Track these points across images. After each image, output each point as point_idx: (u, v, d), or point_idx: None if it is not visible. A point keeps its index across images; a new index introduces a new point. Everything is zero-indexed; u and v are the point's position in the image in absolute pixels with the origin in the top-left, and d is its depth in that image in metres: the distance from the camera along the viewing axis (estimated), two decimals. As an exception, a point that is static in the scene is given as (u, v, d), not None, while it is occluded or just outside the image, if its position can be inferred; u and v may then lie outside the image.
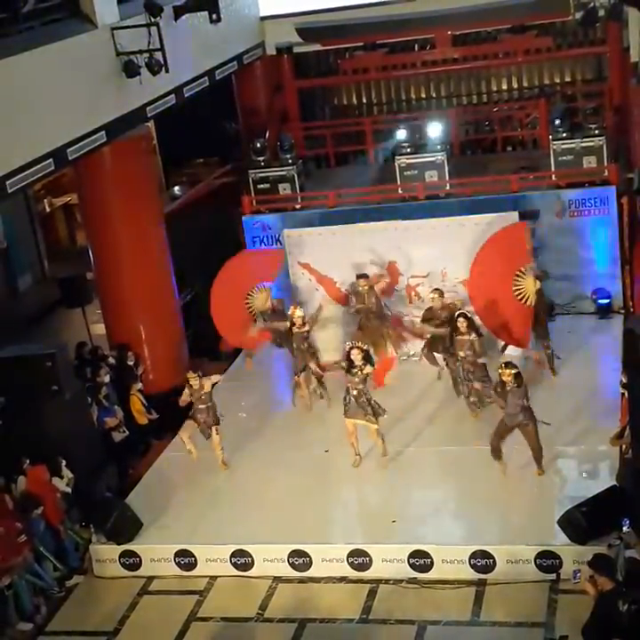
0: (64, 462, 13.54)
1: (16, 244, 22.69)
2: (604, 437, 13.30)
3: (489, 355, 14.72)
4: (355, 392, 13.75)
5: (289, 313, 15.77)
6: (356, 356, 13.71)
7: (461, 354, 14.53)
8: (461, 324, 14.43)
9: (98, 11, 14.59)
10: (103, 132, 14.60)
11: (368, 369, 13.76)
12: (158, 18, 14.91)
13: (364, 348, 13.96)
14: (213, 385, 14.60)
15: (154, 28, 14.79)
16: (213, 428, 14.32)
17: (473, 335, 14.40)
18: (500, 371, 13.00)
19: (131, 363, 16.03)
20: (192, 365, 16.48)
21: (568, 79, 20.63)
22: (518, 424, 12.97)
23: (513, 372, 12.85)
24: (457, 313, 14.76)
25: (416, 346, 16.47)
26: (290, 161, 18.68)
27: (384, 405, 13.96)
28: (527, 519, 12.52)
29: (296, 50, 20.79)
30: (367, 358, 13.88)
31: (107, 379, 15.33)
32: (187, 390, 14.31)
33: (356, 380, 13.71)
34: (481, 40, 20.45)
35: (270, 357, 17.26)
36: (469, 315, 14.67)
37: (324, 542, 12.61)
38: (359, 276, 16.12)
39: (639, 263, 17.06)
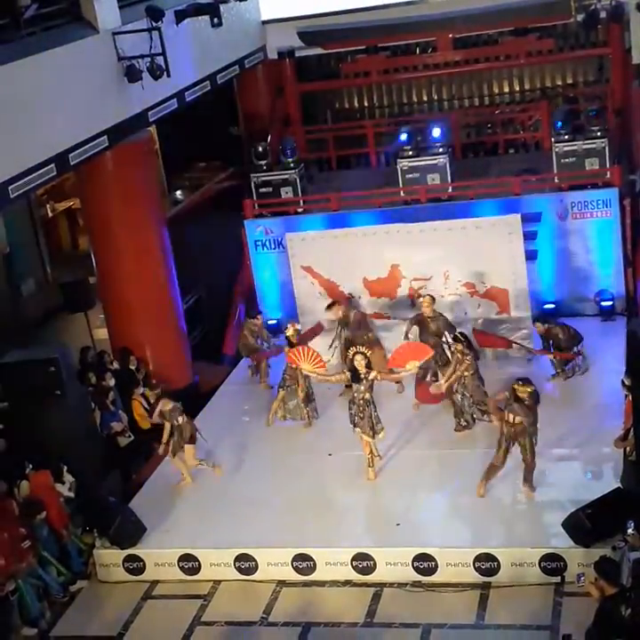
0: (65, 467, 13.54)
1: (19, 248, 22.67)
2: (608, 440, 13.29)
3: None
4: (361, 402, 13.48)
5: (285, 331, 15.48)
6: (360, 363, 13.40)
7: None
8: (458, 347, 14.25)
9: (99, 16, 14.60)
10: (105, 137, 14.61)
11: (373, 374, 13.47)
12: (160, 22, 14.93)
13: (368, 353, 13.49)
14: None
15: (155, 33, 14.80)
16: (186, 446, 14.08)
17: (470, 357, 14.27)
18: (516, 386, 12.64)
19: (133, 367, 16.02)
20: (196, 369, 16.56)
21: (570, 81, 20.62)
22: (516, 437, 12.77)
23: (529, 390, 12.59)
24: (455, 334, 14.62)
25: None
26: (292, 165, 18.69)
27: (387, 406, 13.94)
28: (531, 522, 12.50)
29: (298, 53, 20.80)
30: (370, 364, 13.46)
31: (112, 382, 15.34)
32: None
33: (362, 388, 13.47)
34: (482, 43, 20.48)
35: (271, 361, 17.23)
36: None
37: (328, 546, 12.59)
38: (329, 306, 16.15)
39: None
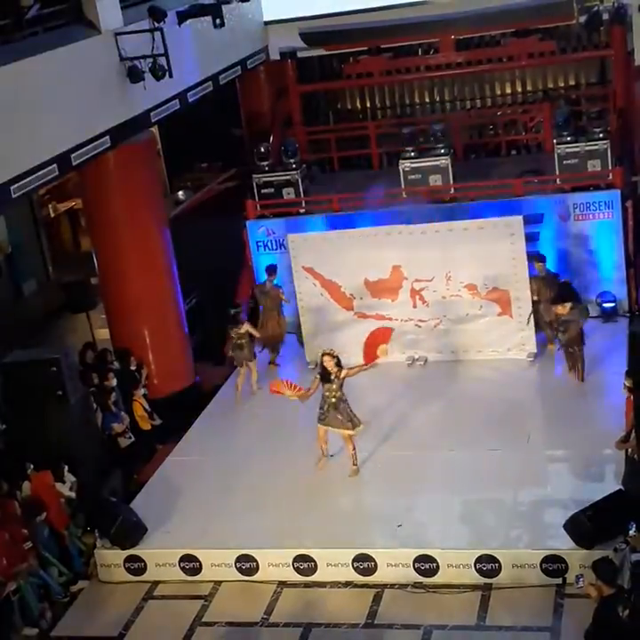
0: (66, 467, 13.54)
1: (21, 249, 22.71)
2: (610, 441, 13.28)
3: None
4: (333, 400, 13.55)
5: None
6: (329, 363, 13.49)
7: None
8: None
9: (101, 16, 14.61)
10: (107, 137, 14.63)
11: (343, 372, 13.50)
12: (162, 23, 14.95)
13: (335, 353, 13.58)
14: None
15: (158, 34, 14.81)
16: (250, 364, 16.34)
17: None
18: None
19: (133, 368, 16.02)
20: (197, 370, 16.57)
21: (572, 83, 20.58)
22: None
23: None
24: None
25: (421, 350, 16.55)
26: (294, 165, 18.68)
27: (389, 408, 13.89)
28: (532, 523, 12.50)
29: (300, 54, 20.78)
30: (339, 363, 13.53)
31: (114, 382, 15.34)
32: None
33: (334, 387, 13.52)
34: (485, 44, 20.46)
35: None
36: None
37: (328, 547, 12.58)
38: None
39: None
